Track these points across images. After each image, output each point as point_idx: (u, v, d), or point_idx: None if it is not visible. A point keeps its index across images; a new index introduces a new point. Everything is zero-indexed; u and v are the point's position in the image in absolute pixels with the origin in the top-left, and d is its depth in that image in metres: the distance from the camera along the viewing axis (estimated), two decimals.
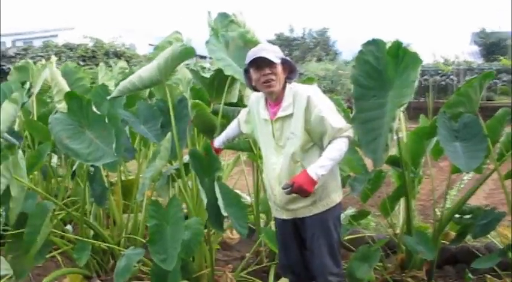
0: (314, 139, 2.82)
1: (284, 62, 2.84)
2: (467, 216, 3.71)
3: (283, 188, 2.72)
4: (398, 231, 4.11)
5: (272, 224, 4.20)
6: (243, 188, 5.19)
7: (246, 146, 4.09)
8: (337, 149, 2.76)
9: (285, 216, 2.98)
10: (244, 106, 4.03)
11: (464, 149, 3.11)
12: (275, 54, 2.81)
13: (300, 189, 2.67)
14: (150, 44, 32.36)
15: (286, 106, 2.82)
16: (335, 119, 2.77)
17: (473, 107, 3.36)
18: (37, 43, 24.42)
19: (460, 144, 3.17)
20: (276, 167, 2.89)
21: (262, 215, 4.49)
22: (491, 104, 17.40)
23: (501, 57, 25.42)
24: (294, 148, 2.80)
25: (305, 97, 2.77)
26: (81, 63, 18.31)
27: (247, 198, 4.89)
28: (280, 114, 2.84)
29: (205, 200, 3.04)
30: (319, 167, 2.70)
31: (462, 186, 7.25)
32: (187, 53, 3.41)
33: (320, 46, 39.49)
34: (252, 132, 3.18)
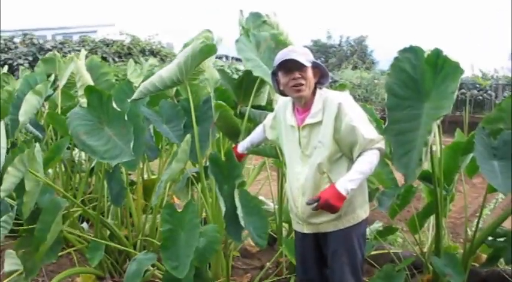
0: (343, 149, 2.64)
1: (315, 65, 2.67)
2: (501, 239, 3.50)
3: (308, 203, 2.54)
4: (425, 249, 3.91)
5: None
6: (268, 194, 5.04)
7: (272, 152, 3.93)
8: (368, 161, 2.58)
9: (306, 230, 2.80)
10: (272, 110, 3.89)
11: (503, 169, 2.87)
12: (305, 57, 2.64)
13: (326, 205, 2.49)
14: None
15: (315, 113, 2.65)
16: (367, 129, 2.59)
17: None
18: (76, 38, 24.65)
19: (498, 162, 2.93)
20: (300, 177, 2.72)
21: (285, 224, 4.32)
22: None
23: None
24: (321, 158, 2.63)
25: (336, 104, 2.60)
26: (116, 59, 18.37)
27: (271, 205, 4.72)
28: (308, 121, 2.67)
29: (223, 209, 2.89)
30: (348, 181, 2.53)
31: (497, 204, 7.00)
32: (208, 50, 3.28)
33: (357, 54, 39.10)
34: (277, 139, 3.01)
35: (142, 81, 3.69)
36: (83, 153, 5.18)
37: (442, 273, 3.16)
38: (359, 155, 2.60)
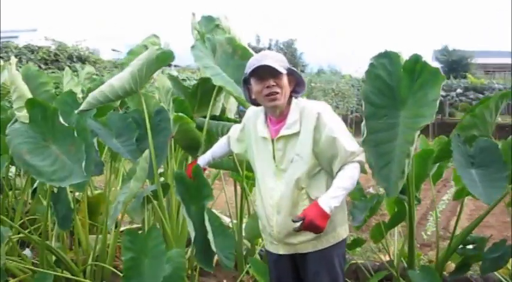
0: (322, 163, 2.43)
1: (290, 72, 2.45)
2: (470, 247, 3.40)
3: (294, 221, 2.30)
4: (392, 257, 3.79)
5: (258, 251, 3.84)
6: (222, 205, 4.78)
7: (230, 164, 3.69)
8: (349, 176, 2.37)
9: (282, 251, 2.56)
10: (228, 120, 3.65)
11: (482, 177, 2.76)
12: (280, 63, 2.41)
13: (311, 225, 2.26)
14: (113, 49, 31.89)
15: (292, 123, 2.43)
16: (348, 142, 2.39)
17: (488, 130, 3.05)
18: None
19: (476, 171, 2.82)
20: (274, 193, 2.48)
21: (246, 241, 4.08)
22: (452, 120, 19.70)
23: (469, 75, 25.75)
24: (300, 173, 2.41)
25: (314, 114, 2.38)
26: (43, 66, 17.59)
27: (226, 220, 4.47)
28: (283, 132, 2.44)
29: (193, 234, 2.61)
30: (331, 198, 2.31)
31: (444, 207, 7.03)
32: (166, 58, 3.03)
33: (287, 57, 39.21)
34: (245, 152, 2.75)
35: (89, 91, 3.35)
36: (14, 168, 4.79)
37: None
38: (339, 169, 2.40)
